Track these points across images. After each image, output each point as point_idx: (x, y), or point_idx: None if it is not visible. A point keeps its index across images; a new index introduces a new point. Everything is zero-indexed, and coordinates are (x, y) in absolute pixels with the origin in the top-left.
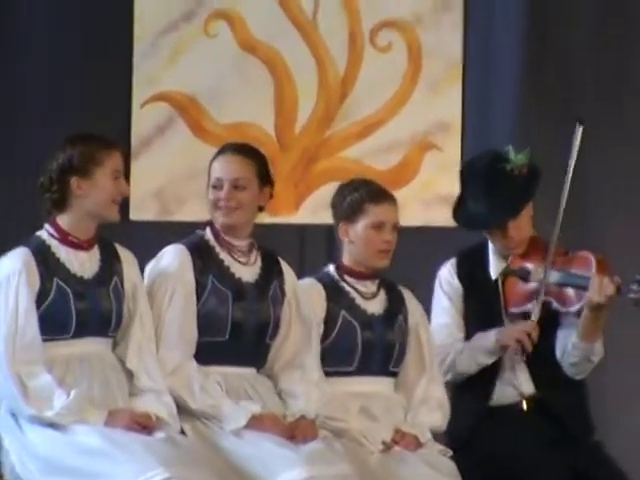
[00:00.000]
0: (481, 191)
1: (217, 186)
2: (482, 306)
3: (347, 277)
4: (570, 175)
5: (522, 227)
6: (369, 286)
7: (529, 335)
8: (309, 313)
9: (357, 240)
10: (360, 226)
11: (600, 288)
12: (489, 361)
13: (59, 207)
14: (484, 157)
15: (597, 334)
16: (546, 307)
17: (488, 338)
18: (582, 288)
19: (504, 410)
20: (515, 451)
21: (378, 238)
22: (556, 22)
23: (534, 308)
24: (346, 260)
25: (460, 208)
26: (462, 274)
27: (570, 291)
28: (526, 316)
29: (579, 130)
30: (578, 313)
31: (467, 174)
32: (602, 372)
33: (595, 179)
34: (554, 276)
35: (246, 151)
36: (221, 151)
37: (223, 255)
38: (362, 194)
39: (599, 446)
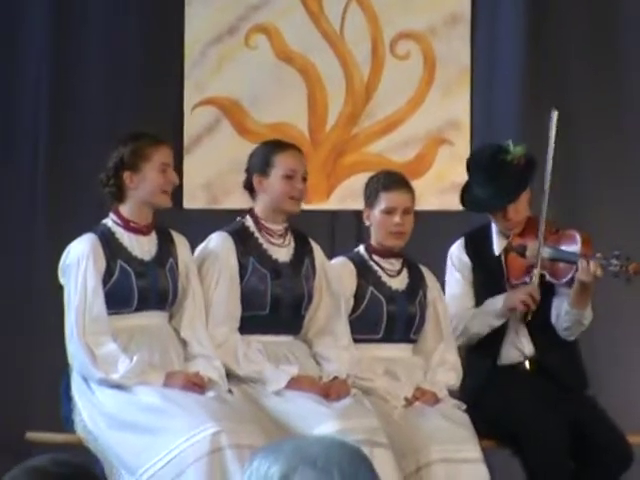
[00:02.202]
0: (485, 179)
1: (292, 176)
2: (488, 279)
3: (375, 256)
4: (550, 161)
5: (520, 210)
6: (394, 264)
7: (532, 296)
8: (337, 286)
9: (374, 223)
10: (376, 211)
11: (588, 269)
12: (499, 323)
13: (118, 198)
14: (487, 149)
15: (586, 302)
16: (541, 279)
17: (497, 302)
18: (570, 262)
19: (510, 369)
20: (518, 407)
21: (389, 222)
22: (553, 32)
23: (531, 280)
24: (372, 241)
25: (466, 193)
26: (470, 251)
27: (560, 265)
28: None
29: (554, 116)
30: (568, 283)
31: (472, 164)
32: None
33: (582, 164)
34: (546, 252)
35: (299, 148)
36: (284, 146)
37: (262, 239)
38: (378, 183)
39: (592, 400)
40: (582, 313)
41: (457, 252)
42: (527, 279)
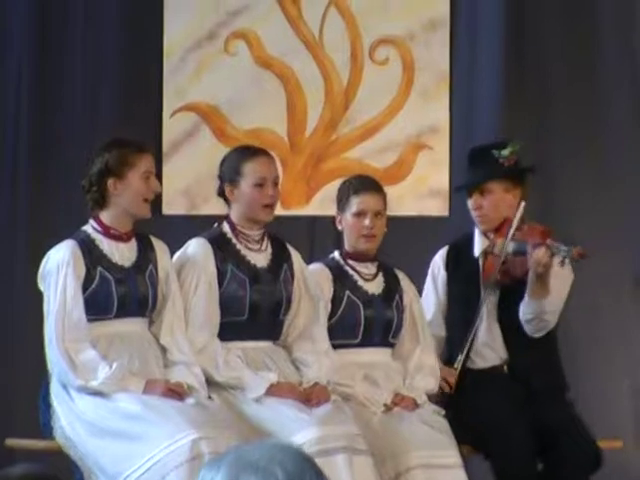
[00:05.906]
0: (468, 163)
1: (262, 184)
2: (464, 281)
3: (350, 261)
4: (510, 236)
5: (484, 205)
6: (370, 268)
7: (446, 381)
8: (316, 291)
9: (346, 227)
10: (347, 215)
11: (536, 257)
12: None
13: (99, 205)
14: (492, 142)
15: (542, 292)
16: (509, 275)
17: None
18: (525, 253)
19: (486, 373)
20: (489, 411)
21: (360, 225)
22: (533, 36)
23: (495, 273)
24: (346, 246)
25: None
26: (450, 259)
27: (523, 259)
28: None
29: (521, 206)
30: None
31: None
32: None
33: (559, 171)
34: (510, 246)
35: (269, 153)
36: (252, 153)
37: (239, 245)
38: (348, 187)
39: (568, 403)
40: (541, 304)
41: (438, 261)
42: (497, 277)
